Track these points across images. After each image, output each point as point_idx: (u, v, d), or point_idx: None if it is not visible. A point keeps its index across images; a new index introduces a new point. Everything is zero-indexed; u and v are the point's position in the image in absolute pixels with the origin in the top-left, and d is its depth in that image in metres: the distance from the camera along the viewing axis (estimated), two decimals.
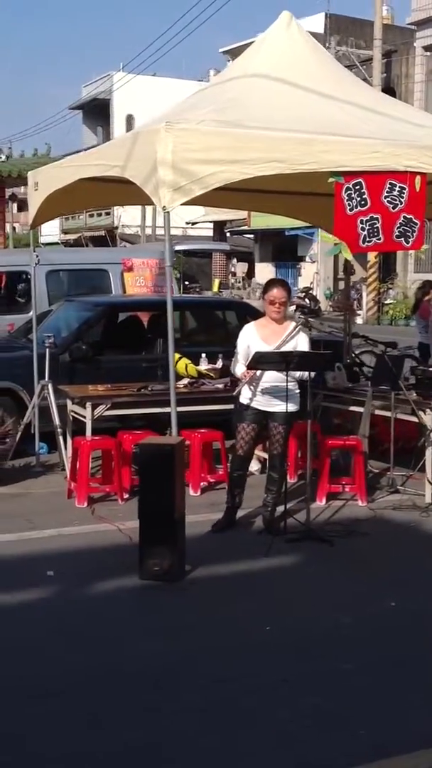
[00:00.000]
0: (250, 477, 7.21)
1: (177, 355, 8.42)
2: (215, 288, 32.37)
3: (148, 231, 36.70)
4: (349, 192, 6.06)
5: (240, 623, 4.97)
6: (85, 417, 7.67)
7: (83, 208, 25.10)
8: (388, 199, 6.15)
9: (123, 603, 5.27)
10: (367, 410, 7.80)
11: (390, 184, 6.14)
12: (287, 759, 3.57)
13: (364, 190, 6.09)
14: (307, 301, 27.50)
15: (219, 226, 39.27)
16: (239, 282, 37.81)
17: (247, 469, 6.70)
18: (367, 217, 6.13)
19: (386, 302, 27.93)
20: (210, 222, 38.48)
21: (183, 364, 8.31)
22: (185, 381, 8.21)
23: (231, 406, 8.20)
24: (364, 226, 6.13)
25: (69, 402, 8.10)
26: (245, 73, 6.95)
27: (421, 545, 6.44)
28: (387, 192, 6.14)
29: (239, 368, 6.51)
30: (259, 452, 8.20)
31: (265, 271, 34.14)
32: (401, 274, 28.65)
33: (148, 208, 34.00)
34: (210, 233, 40.21)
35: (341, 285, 30.86)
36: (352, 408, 8.16)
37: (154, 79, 47.45)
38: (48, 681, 4.24)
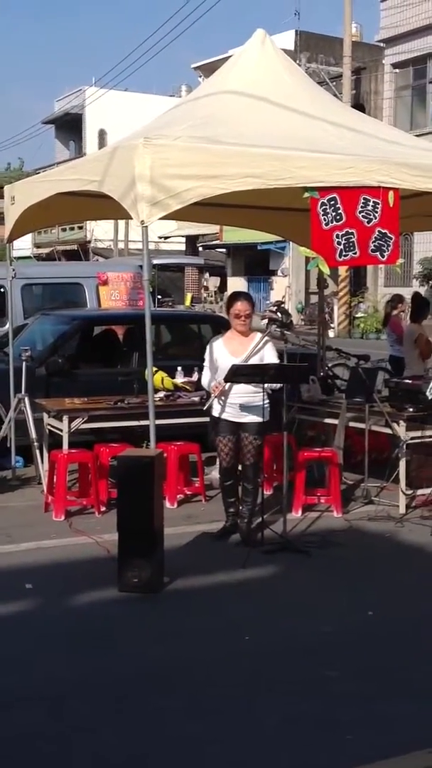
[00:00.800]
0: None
1: (153, 369, 8.49)
2: (188, 302, 32.44)
3: (121, 245, 36.77)
4: (324, 207, 6.15)
5: (221, 633, 5.01)
6: (61, 430, 7.70)
7: (59, 223, 25.10)
8: (363, 213, 6.25)
9: (102, 614, 5.28)
10: (341, 422, 7.89)
11: (364, 199, 6.24)
12: (280, 763, 3.61)
13: (339, 205, 6.18)
14: (278, 314, 27.60)
15: (191, 241, 39.41)
16: (212, 296, 37.92)
17: (237, 478, 6.75)
18: (343, 232, 6.23)
19: (357, 316, 28.16)
20: (182, 236, 38.59)
21: (159, 378, 8.35)
22: (162, 394, 8.24)
23: (207, 419, 8.30)
24: (340, 240, 6.23)
25: (45, 415, 8.13)
26: (220, 89, 7.05)
27: (397, 555, 6.51)
28: (361, 207, 6.24)
29: (206, 381, 6.62)
30: None
31: (237, 285, 34.25)
32: (372, 287, 28.93)
33: (121, 222, 34.10)
34: (182, 247, 40.33)
35: (313, 299, 31.11)
36: (327, 420, 8.25)
37: (126, 94, 47.65)
38: (37, 688, 4.27)
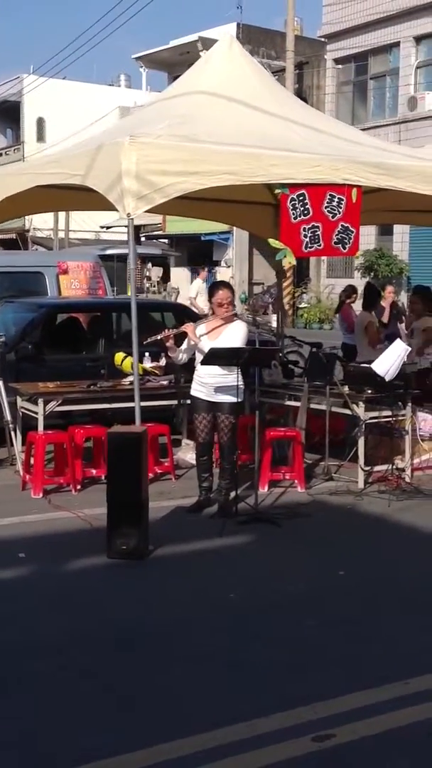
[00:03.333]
0: (190, 469, 7.80)
1: (122, 354, 8.91)
2: (130, 292, 32.66)
3: (61, 234, 36.78)
4: (293, 202, 6.64)
5: (207, 592, 5.49)
6: (34, 413, 8.05)
7: (26, 214, 25.13)
8: (328, 209, 6.76)
9: (96, 577, 5.71)
10: (303, 404, 8.39)
11: (330, 195, 6.74)
12: (262, 698, 4.08)
13: (307, 200, 6.67)
14: None
15: (134, 231, 39.52)
16: (154, 286, 38.17)
17: (211, 454, 7.19)
18: (309, 225, 6.73)
19: (300, 306, 28.80)
20: (125, 226, 38.71)
21: (129, 362, 8.74)
22: (131, 378, 8.64)
23: (175, 402, 8.76)
24: (306, 233, 6.72)
25: (19, 399, 8.46)
26: (192, 90, 7.47)
27: (360, 524, 7.06)
28: (327, 202, 6.74)
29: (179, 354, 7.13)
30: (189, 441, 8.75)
31: (180, 276, 34.66)
32: (314, 279, 29.61)
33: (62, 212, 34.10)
34: (124, 237, 40.43)
35: (256, 289, 31.69)
36: (289, 402, 8.76)
37: (65, 82, 47.37)
38: (41, 640, 4.69)
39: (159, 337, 6.96)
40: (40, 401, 8.00)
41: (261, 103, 7.26)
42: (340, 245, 6.85)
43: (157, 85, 45.64)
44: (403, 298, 21.30)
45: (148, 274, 39.76)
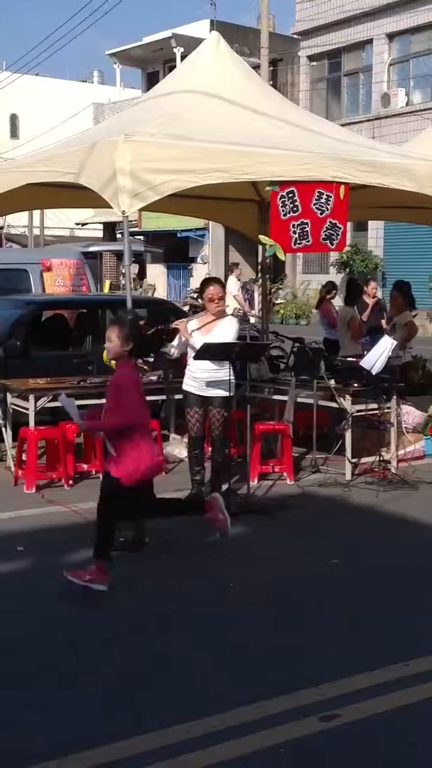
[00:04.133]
0: (179, 464, 7.92)
1: None
2: (106, 289, 32.66)
3: (36, 232, 36.69)
4: (283, 199, 6.77)
5: (207, 580, 5.62)
6: (25, 409, 8.12)
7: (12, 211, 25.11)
8: (317, 206, 6.89)
9: None
10: (291, 398, 8.53)
11: (318, 192, 6.88)
12: (275, 677, 4.21)
13: (296, 197, 6.81)
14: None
15: (109, 227, 39.53)
16: (130, 283, 38.15)
17: (203, 448, 7.31)
18: (299, 222, 6.86)
19: (276, 302, 28.93)
20: (100, 223, 38.72)
21: None
22: None
23: (164, 397, 8.85)
24: (295, 230, 6.86)
25: (9, 395, 8.52)
26: (181, 89, 7.57)
27: (350, 514, 7.21)
28: (316, 199, 6.88)
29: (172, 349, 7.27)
30: (186, 439, 8.85)
31: (156, 273, 34.73)
32: (290, 275, 29.79)
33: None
34: (100, 234, 40.44)
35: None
36: (276, 397, 8.89)
37: (38, 78, 47.26)
38: (49, 630, 4.82)
39: (148, 334, 7.06)
40: (31, 397, 8.06)
41: (249, 101, 7.38)
42: (328, 241, 6.99)
43: (130, 82, 45.70)
44: (380, 294, 21.54)
45: (123, 270, 39.77)
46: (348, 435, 8.17)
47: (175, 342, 7.16)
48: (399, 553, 6.23)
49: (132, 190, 6.14)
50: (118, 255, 37.82)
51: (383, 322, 11.65)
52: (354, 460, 8.25)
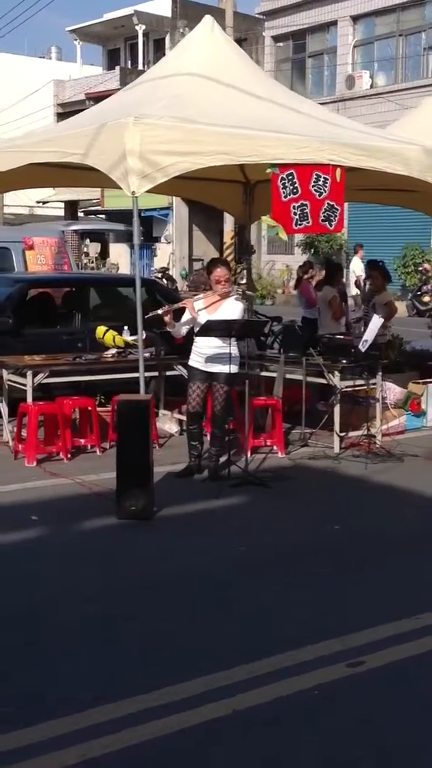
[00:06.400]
0: (169, 438, 8.17)
1: (104, 328, 9.20)
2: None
3: None
4: (283, 181, 7.02)
5: (216, 546, 5.90)
6: (22, 385, 8.30)
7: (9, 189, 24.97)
8: (315, 187, 7.15)
9: (110, 535, 6.06)
10: (280, 374, 8.82)
11: (316, 175, 7.14)
12: (299, 629, 4.51)
13: (295, 179, 7.06)
14: (164, 281, 28.39)
15: (71, 206, 39.42)
16: (92, 262, 38.13)
17: (201, 423, 7.58)
18: (299, 204, 7.12)
19: (241, 282, 29.17)
20: (61, 201, 38.57)
21: (111, 336, 9.04)
22: (113, 351, 8.95)
23: (156, 374, 9.09)
24: (296, 211, 7.11)
25: (5, 372, 8.69)
26: (179, 71, 7.76)
27: (342, 484, 7.54)
28: (314, 182, 7.14)
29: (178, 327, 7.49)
30: (176, 415, 9.12)
31: (119, 252, 34.69)
32: (255, 255, 29.99)
33: None
34: (61, 213, 40.28)
35: (196, 265, 31.96)
36: (264, 373, 9.17)
37: None
38: (82, 589, 5.05)
39: (159, 312, 7.28)
40: (29, 373, 8.25)
41: (246, 85, 7.60)
42: (326, 222, 7.26)
43: (90, 59, 45.37)
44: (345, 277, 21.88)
45: (86, 249, 39.70)
46: (337, 410, 8.48)
47: (183, 320, 7.40)
48: (396, 518, 6.58)
49: (141, 171, 6.34)
50: (80, 234, 37.93)
51: (351, 301, 11.98)
52: (342, 434, 8.57)
